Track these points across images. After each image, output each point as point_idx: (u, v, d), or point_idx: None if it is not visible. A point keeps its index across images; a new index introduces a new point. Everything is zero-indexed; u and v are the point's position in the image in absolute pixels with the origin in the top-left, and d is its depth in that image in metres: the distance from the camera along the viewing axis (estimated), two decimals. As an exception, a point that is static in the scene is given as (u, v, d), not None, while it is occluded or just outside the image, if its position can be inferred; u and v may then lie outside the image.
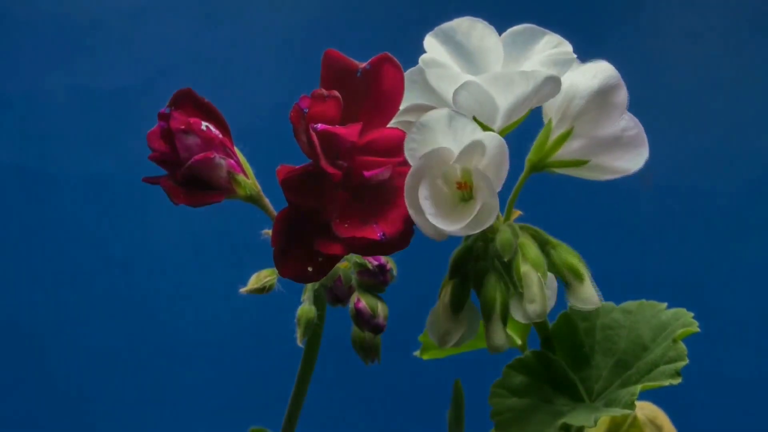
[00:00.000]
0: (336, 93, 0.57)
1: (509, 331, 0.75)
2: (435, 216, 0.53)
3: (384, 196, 0.57)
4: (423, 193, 0.53)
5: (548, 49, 0.57)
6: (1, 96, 1.41)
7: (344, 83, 0.58)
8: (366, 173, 0.56)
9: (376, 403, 1.36)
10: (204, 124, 0.60)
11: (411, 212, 0.54)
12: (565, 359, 0.63)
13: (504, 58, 0.57)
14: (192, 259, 1.38)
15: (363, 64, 0.58)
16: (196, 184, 0.60)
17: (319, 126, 0.55)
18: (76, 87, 1.40)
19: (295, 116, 0.56)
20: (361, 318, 0.64)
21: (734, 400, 1.30)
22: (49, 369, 1.38)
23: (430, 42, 0.58)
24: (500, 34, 0.59)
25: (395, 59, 0.58)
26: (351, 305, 0.64)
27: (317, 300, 0.65)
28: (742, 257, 1.34)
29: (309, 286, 0.65)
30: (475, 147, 0.54)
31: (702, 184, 1.34)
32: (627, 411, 0.56)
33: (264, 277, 0.64)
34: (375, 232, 0.55)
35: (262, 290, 0.63)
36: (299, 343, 0.64)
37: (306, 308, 0.64)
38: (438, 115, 0.54)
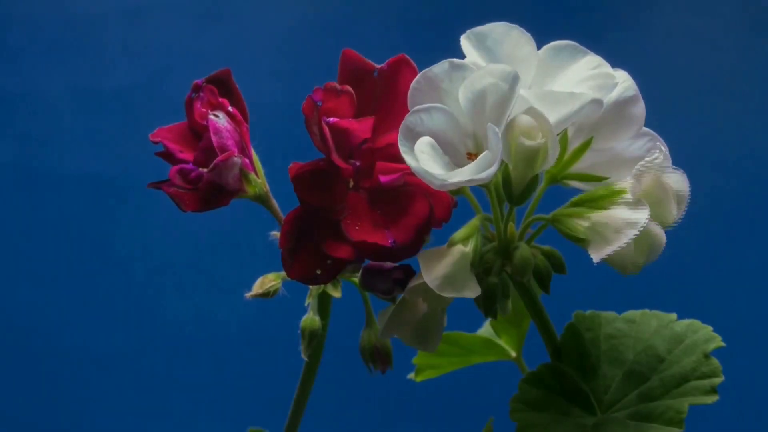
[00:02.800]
0: (349, 88, 0.55)
1: (503, 344, 0.74)
2: (431, 166, 0.51)
3: (397, 201, 0.55)
4: (421, 147, 0.52)
5: (587, 69, 0.55)
6: (1, 95, 1.40)
7: (361, 83, 0.57)
8: (382, 178, 0.54)
9: (380, 406, 1.35)
10: (230, 108, 0.59)
11: (406, 158, 0.52)
12: (573, 371, 0.62)
13: (537, 70, 0.56)
14: (194, 258, 1.37)
15: (380, 65, 0.57)
16: (208, 188, 0.58)
17: (331, 119, 0.54)
18: (77, 86, 1.39)
19: (307, 108, 0.55)
20: (376, 270, 0.59)
21: (736, 403, 1.28)
22: (48, 369, 1.36)
23: (463, 44, 0.56)
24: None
25: (412, 61, 0.57)
26: (359, 277, 0.61)
27: (321, 306, 0.64)
28: (741, 258, 1.33)
29: (313, 291, 0.63)
30: (476, 101, 0.52)
31: (701, 185, 1.33)
32: (675, 429, 0.55)
33: (269, 281, 0.62)
34: (386, 239, 0.54)
35: (266, 295, 0.62)
36: (304, 356, 0.63)
37: (310, 319, 0.63)
38: (440, 69, 0.53)
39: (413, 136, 0.52)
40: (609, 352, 0.62)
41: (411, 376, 0.75)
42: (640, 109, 0.56)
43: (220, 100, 0.59)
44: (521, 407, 0.60)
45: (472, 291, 0.54)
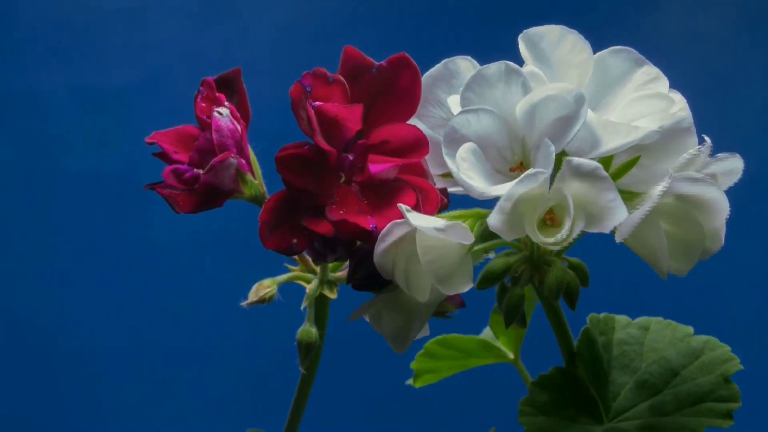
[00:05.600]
0: (341, 78, 0.55)
1: (501, 346, 0.72)
2: (471, 176, 0.49)
3: (386, 194, 0.54)
4: (462, 154, 0.50)
5: (644, 81, 0.54)
6: (2, 95, 1.39)
7: (359, 79, 0.56)
8: (372, 168, 0.54)
9: (379, 405, 1.32)
10: (226, 103, 0.58)
11: (448, 162, 0.50)
12: (588, 377, 0.60)
13: (593, 77, 0.54)
14: (193, 258, 1.37)
15: (379, 63, 0.56)
16: (204, 188, 0.57)
17: (317, 103, 0.54)
18: (77, 86, 1.38)
19: (295, 91, 0.54)
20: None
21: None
22: (49, 368, 1.36)
23: (520, 44, 0.54)
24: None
25: (412, 60, 0.56)
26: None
27: (318, 309, 0.62)
28: (736, 259, 1.30)
29: (310, 293, 0.61)
30: (535, 113, 0.50)
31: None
32: None
33: (264, 288, 0.61)
34: (368, 223, 0.53)
35: (262, 301, 0.61)
36: (301, 368, 0.62)
37: (306, 331, 0.61)
38: (496, 69, 0.51)
39: (458, 140, 0.50)
40: (620, 358, 0.60)
41: (409, 382, 0.73)
42: (692, 142, 0.54)
43: (217, 95, 0.58)
44: (530, 410, 0.58)
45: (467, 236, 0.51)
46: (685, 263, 0.52)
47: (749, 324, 1.31)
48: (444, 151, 0.50)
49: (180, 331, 1.35)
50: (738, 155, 0.54)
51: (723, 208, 0.51)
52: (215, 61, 1.36)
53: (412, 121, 0.56)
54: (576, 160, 0.48)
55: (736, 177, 0.54)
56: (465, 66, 0.55)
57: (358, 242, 0.55)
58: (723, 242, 0.53)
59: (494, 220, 0.48)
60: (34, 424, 1.34)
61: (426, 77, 0.55)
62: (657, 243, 0.50)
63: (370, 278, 0.55)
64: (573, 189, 0.49)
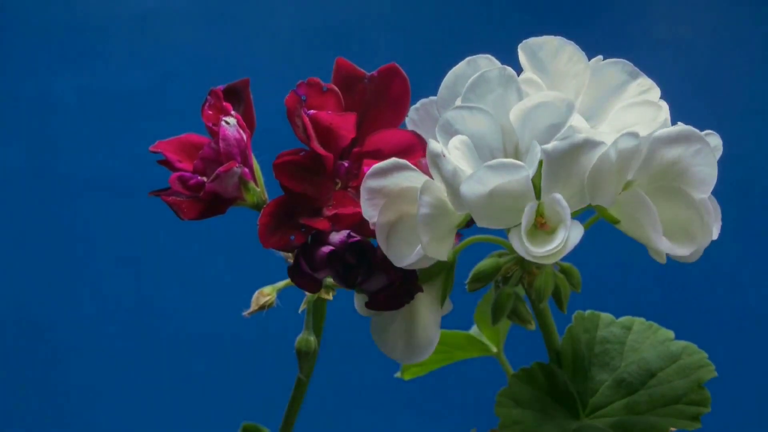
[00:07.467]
0: (335, 88, 0.56)
1: (485, 339, 0.72)
2: (462, 164, 0.49)
3: None
4: (456, 143, 0.49)
5: (637, 93, 0.54)
6: (13, 98, 1.40)
7: (352, 89, 0.57)
8: (366, 169, 0.54)
9: (377, 402, 1.33)
10: (233, 112, 0.58)
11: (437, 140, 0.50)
12: (568, 373, 0.60)
13: (588, 87, 0.54)
14: (198, 259, 1.37)
15: (370, 73, 0.57)
16: (208, 196, 0.57)
17: (312, 111, 0.55)
18: (86, 89, 1.39)
19: (290, 100, 0.55)
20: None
21: (723, 404, 1.27)
22: (57, 366, 1.37)
23: (519, 54, 0.54)
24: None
25: (401, 69, 0.57)
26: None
27: (317, 310, 0.63)
28: (721, 260, 1.31)
29: (308, 297, 0.62)
30: (528, 119, 0.50)
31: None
32: None
33: (264, 296, 0.62)
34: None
35: (262, 309, 0.62)
36: (301, 375, 0.63)
37: (305, 340, 0.62)
38: (496, 73, 0.51)
39: (451, 132, 0.50)
40: (601, 356, 0.61)
41: (398, 374, 0.74)
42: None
43: (224, 104, 0.59)
44: (507, 402, 0.58)
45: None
46: (686, 245, 0.50)
47: (732, 330, 1.32)
48: (438, 139, 0.50)
49: (186, 327, 1.36)
50: (715, 133, 0.53)
51: (711, 169, 0.50)
52: (221, 67, 1.36)
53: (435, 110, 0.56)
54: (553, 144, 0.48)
55: (717, 154, 0.52)
56: (485, 65, 0.54)
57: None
58: (714, 236, 0.51)
59: (467, 189, 0.47)
60: (40, 418, 1.35)
61: (450, 74, 0.55)
62: (646, 218, 0.49)
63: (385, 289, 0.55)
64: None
